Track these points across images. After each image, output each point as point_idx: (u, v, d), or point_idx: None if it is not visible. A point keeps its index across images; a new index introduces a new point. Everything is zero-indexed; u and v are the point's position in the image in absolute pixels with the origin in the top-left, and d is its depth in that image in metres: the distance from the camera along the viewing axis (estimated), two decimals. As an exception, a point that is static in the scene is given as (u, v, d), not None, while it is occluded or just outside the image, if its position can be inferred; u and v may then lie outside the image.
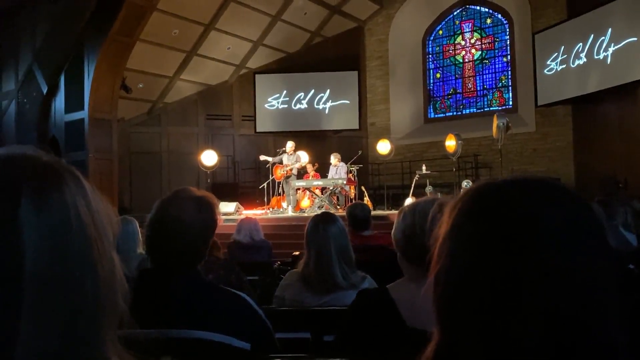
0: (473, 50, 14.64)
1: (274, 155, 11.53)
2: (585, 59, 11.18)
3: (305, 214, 10.29)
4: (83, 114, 10.98)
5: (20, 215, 0.55)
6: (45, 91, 11.47)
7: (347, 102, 14.71)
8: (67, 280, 0.57)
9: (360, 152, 12.16)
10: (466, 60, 14.73)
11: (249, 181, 14.15)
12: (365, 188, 11.54)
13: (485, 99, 14.43)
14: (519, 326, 0.58)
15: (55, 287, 0.56)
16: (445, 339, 0.66)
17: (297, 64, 14.76)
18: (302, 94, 14.68)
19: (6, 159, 0.59)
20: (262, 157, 11.48)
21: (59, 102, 11.51)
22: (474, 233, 0.63)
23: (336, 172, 11.19)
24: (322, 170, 11.73)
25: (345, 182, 10.60)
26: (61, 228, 0.57)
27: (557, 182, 0.67)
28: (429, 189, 10.71)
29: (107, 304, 0.60)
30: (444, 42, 15.02)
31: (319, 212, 9.99)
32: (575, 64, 11.40)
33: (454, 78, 14.90)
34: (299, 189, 11.16)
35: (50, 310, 0.55)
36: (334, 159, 11.34)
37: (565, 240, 0.60)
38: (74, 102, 11.13)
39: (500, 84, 14.21)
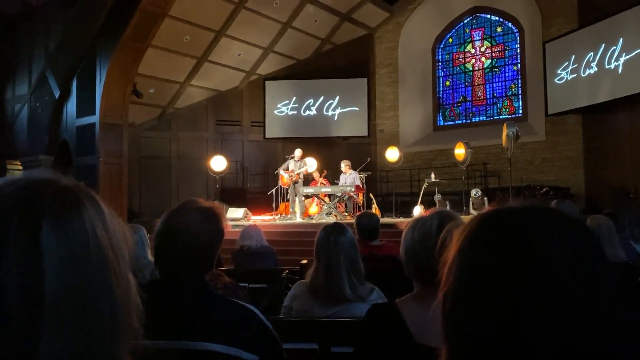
0: (483, 59, 14.62)
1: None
2: (596, 69, 11.13)
3: (314, 221, 10.30)
4: (94, 119, 11.08)
5: (42, 238, 0.57)
6: (57, 95, 11.59)
7: (356, 109, 14.73)
8: (85, 301, 0.59)
9: (368, 159, 12.16)
10: (476, 68, 14.71)
11: (257, 187, 14.19)
12: (373, 195, 11.53)
13: (495, 107, 14.39)
14: (525, 346, 0.60)
15: (74, 307, 0.58)
16: (453, 356, 0.67)
17: (307, 70, 14.82)
18: (312, 100, 14.72)
19: (27, 183, 0.61)
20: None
21: (71, 106, 11.62)
22: (479, 257, 0.66)
23: (346, 181, 10.97)
24: (332, 177, 11.72)
25: (353, 190, 10.56)
26: (80, 251, 0.59)
27: (560, 210, 0.70)
28: (437, 197, 10.67)
29: (122, 323, 0.62)
30: (454, 50, 15.01)
31: (327, 218, 10.07)
32: (586, 73, 11.34)
33: (463, 86, 14.88)
34: (307, 195, 11.14)
35: (68, 329, 0.57)
36: (344, 166, 11.12)
37: (567, 267, 0.62)
38: (85, 106, 11.23)
39: (510, 92, 14.17)
